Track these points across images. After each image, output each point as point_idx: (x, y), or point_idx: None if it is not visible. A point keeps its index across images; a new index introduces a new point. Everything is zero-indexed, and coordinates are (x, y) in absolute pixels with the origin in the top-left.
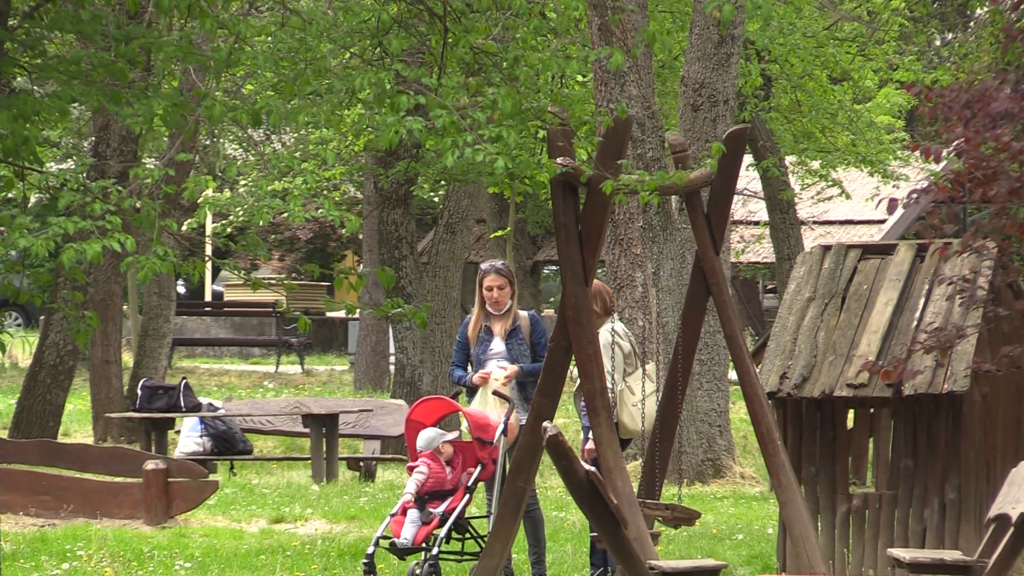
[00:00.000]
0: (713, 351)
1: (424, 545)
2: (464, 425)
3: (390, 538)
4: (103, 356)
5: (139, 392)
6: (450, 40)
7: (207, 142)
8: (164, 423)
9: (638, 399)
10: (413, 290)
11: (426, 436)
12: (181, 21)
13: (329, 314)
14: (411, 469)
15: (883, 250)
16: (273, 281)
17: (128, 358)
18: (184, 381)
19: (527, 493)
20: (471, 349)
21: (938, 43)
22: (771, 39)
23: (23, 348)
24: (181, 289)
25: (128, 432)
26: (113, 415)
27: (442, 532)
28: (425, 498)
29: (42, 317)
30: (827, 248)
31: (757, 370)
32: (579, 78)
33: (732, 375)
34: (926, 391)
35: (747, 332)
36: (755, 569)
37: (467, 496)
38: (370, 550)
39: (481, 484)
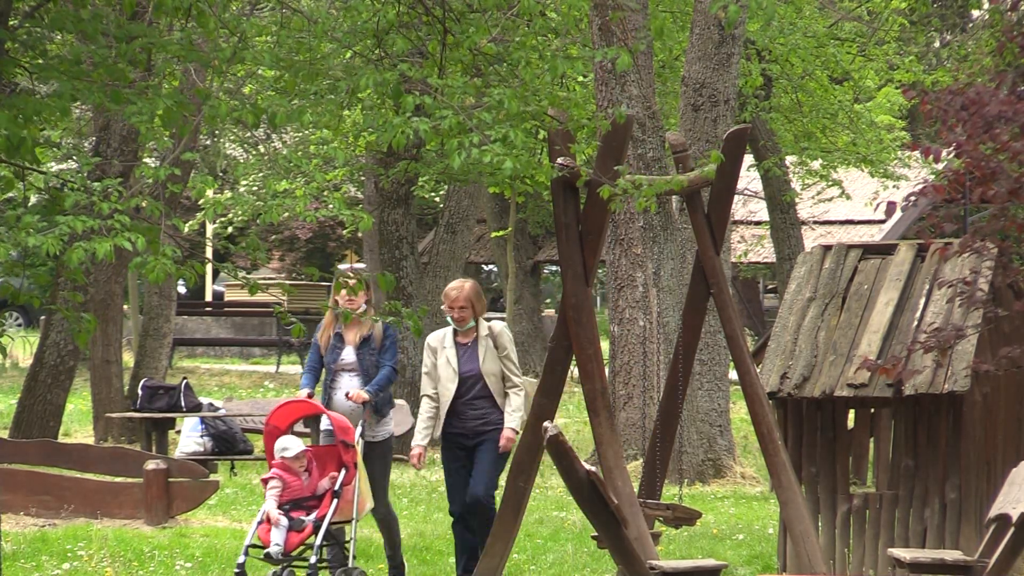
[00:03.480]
0: (714, 351)
1: (295, 554)
2: (326, 424)
3: (260, 546)
4: (104, 356)
5: (140, 392)
6: (450, 41)
7: (207, 142)
8: (165, 423)
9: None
10: (414, 290)
11: (280, 445)
12: (181, 21)
13: None
14: (265, 481)
15: (883, 250)
16: (271, 283)
17: (129, 358)
18: (185, 381)
19: (528, 493)
20: (323, 356)
21: (937, 44)
22: (772, 39)
23: (24, 348)
24: (182, 289)
25: (129, 432)
26: (114, 415)
27: (317, 540)
28: (287, 507)
29: (43, 317)
30: (828, 248)
31: (758, 370)
32: (580, 79)
33: (733, 375)
34: (927, 391)
35: (747, 332)
36: (755, 569)
37: (334, 501)
38: (241, 559)
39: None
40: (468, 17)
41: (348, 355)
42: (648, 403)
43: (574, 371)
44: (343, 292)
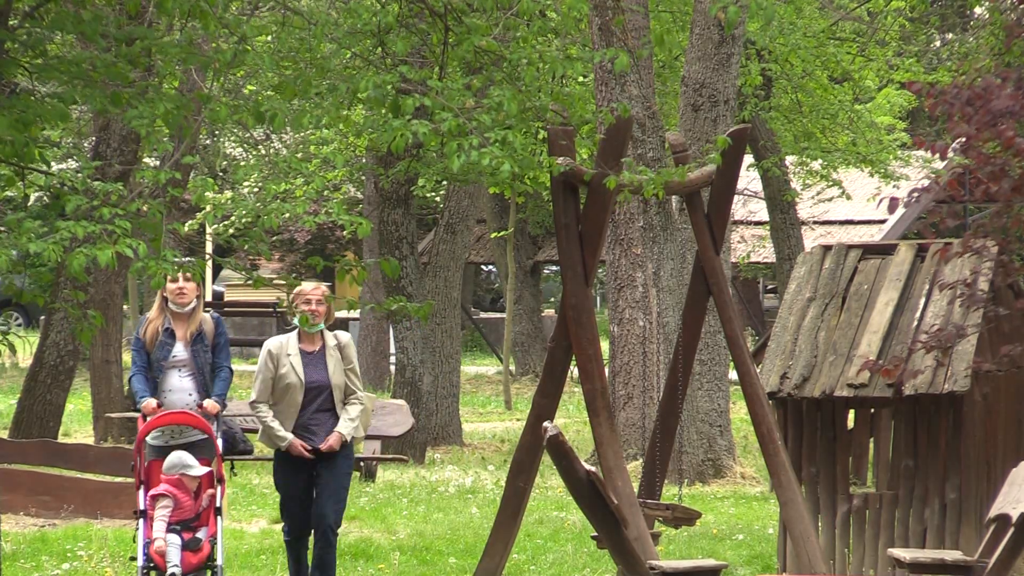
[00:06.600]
0: (714, 351)
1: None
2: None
3: (153, 567)
4: (103, 356)
5: None
6: (451, 40)
7: (207, 142)
8: None
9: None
10: (414, 290)
11: (179, 461)
12: (182, 22)
13: None
14: (153, 499)
15: (883, 250)
16: (275, 278)
17: (128, 358)
18: None
19: (527, 493)
20: (150, 353)
21: (937, 44)
22: (772, 39)
23: (24, 348)
24: None
25: (128, 432)
26: (113, 415)
27: (218, 559)
28: (178, 528)
29: (42, 317)
30: (828, 248)
31: (758, 370)
32: (580, 79)
33: (733, 375)
34: (927, 391)
35: (748, 332)
36: (755, 569)
37: (219, 519)
38: None
39: None
40: (469, 15)
41: (180, 351)
42: (648, 403)
43: (574, 371)
44: (175, 281)
